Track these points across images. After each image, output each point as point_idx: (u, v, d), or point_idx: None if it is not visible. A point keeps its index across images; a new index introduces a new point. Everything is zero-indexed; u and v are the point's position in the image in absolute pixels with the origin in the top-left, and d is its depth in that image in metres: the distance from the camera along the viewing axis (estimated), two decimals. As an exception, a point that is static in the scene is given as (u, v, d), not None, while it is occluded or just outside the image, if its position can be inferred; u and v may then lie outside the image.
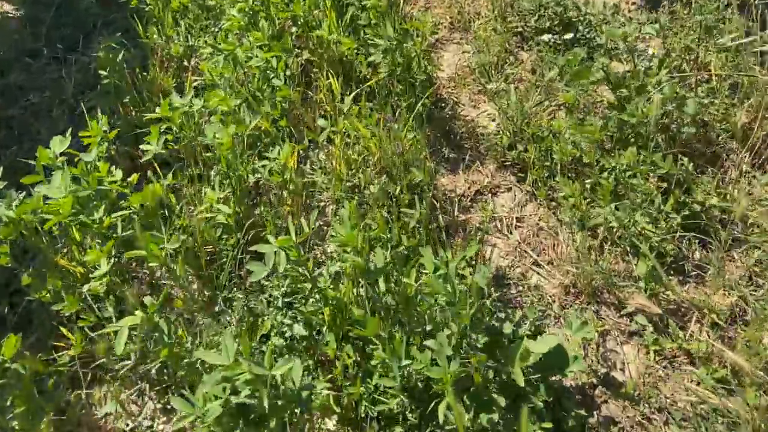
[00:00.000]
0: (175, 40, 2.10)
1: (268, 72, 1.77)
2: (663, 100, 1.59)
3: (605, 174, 1.66)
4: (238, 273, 1.45)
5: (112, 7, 2.76)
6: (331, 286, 1.23)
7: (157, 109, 1.42)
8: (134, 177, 1.36)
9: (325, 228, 1.66)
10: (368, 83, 1.89)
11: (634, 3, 2.68)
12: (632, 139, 1.71)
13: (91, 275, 1.14)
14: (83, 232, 1.27)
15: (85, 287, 1.13)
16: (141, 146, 1.49)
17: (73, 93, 2.26)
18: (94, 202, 1.17)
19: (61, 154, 1.32)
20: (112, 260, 1.12)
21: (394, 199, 1.62)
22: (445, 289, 1.07)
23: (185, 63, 2.10)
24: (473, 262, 1.56)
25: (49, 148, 1.25)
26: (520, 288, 1.62)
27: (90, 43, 2.53)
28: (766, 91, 1.67)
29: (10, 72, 2.42)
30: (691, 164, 1.68)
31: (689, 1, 2.22)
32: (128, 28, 2.48)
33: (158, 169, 1.48)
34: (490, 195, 1.90)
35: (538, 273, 1.66)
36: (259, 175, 1.48)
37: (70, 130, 1.50)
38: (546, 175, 1.86)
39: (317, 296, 1.20)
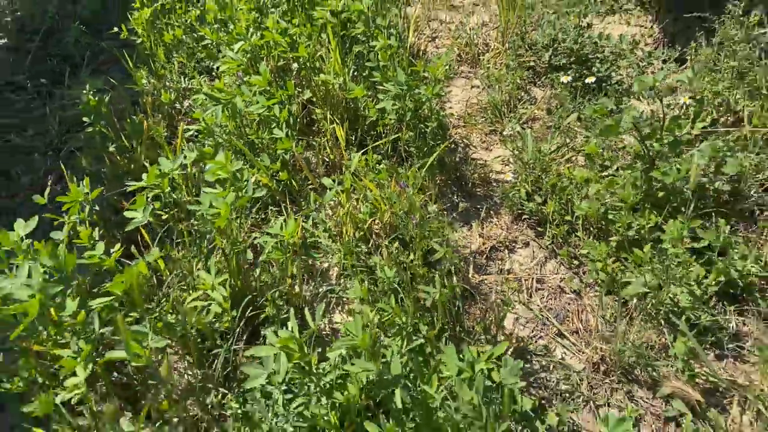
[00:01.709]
0: (167, 81, 1.95)
1: (269, 119, 1.63)
2: (707, 157, 1.46)
3: (635, 236, 1.52)
4: (233, 360, 1.29)
5: (102, 36, 2.62)
6: (339, 381, 1.09)
7: (144, 176, 1.27)
8: (117, 251, 1.21)
9: (330, 295, 1.51)
10: (380, 139, 1.74)
11: (651, 37, 2.57)
12: (664, 199, 1.57)
13: (64, 383, 0.99)
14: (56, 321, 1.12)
15: (58, 398, 0.98)
16: (126, 210, 1.34)
17: (58, 132, 2.11)
18: (67, 294, 1.02)
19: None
20: (90, 365, 0.97)
21: (406, 269, 1.47)
22: (470, 402, 0.93)
23: (178, 107, 1.96)
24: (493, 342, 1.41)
25: (12, 230, 1.09)
26: (544, 363, 1.47)
27: (78, 76, 2.38)
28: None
29: (-8, 107, 2.26)
30: (727, 226, 1.54)
31: (712, 39, 2.10)
32: (118, 61, 2.34)
33: (145, 235, 1.33)
34: (506, 252, 1.76)
35: (562, 345, 1.52)
36: (258, 242, 1.34)
37: (50, 179, 1.35)
38: (567, 230, 1.72)
39: (323, 399, 1.05)
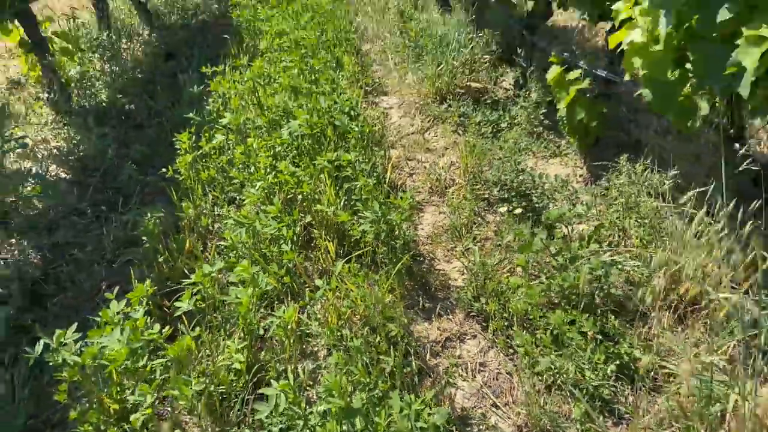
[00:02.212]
0: (203, 209, 2.59)
1: (278, 237, 2.22)
2: (591, 270, 2.02)
3: (546, 328, 2.03)
4: (243, 411, 1.75)
5: (149, 173, 3.32)
6: (320, 423, 1.55)
7: (192, 276, 1.83)
8: (168, 331, 1.73)
9: (318, 371, 1.99)
10: (359, 252, 2.32)
11: (581, 176, 3.25)
12: (571, 299, 2.10)
13: (131, 412, 1.46)
14: (124, 375, 1.61)
15: (132, 416, 1.44)
16: (173, 302, 1.87)
17: (112, 249, 2.70)
18: (140, 352, 1.52)
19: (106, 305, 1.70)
20: (155, 396, 1.45)
21: (374, 347, 1.97)
22: (408, 428, 1.40)
23: (210, 228, 2.57)
24: (439, 404, 1.87)
25: (108, 308, 1.63)
26: (481, 427, 1.91)
27: (128, 205, 3.03)
28: (676, 263, 2.10)
29: (59, 229, 2.88)
30: (618, 320, 2.06)
31: (630, 175, 2.74)
32: (163, 193, 3.00)
33: (185, 322, 1.86)
34: (458, 341, 2.25)
35: (496, 414, 1.96)
36: (268, 326, 1.86)
37: (116, 289, 1.91)
38: (505, 324, 2.23)
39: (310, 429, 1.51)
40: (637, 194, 2.44)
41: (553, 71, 2.97)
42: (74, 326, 1.56)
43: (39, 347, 1.57)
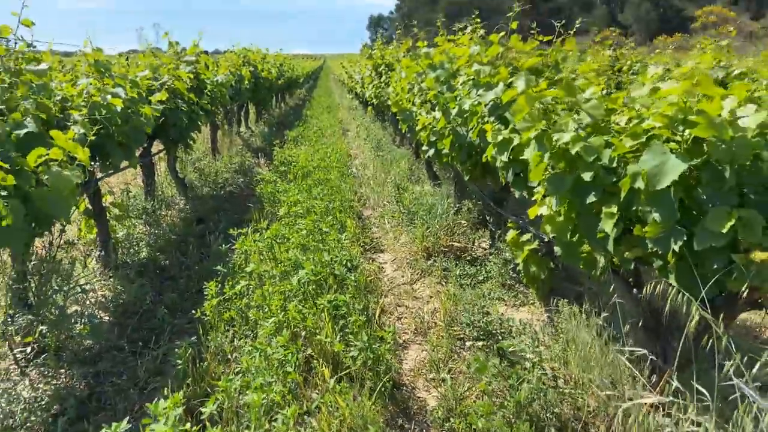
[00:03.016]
0: (224, 342, 3.17)
1: (284, 362, 2.78)
2: (531, 390, 2.53)
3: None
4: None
5: (177, 317, 3.95)
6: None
7: (217, 388, 2.37)
8: (197, 428, 2.22)
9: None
10: (347, 372, 2.86)
11: (540, 319, 3.84)
12: (521, 416, 2.58)
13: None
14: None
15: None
16: (201, 410, 2.38)
17: (144, 378, 3.23)
18: (177, 440, 2.02)
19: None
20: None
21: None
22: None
23: (229, 357, 3.13)
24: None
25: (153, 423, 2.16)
26: None
27: (159, 342, 3.60)
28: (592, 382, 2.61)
29: (102, 361, 3.43)
30: (559, 432, 2.51)
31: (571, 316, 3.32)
32: (188, 333, 3.59)
33: (208, 424, 2.35)
34: (430, 454, 2.67)
35: None
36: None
37: (139, 407, 2.43)
38: (471, 441, 2.66)
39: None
40: (576, 331, 3.02)
41: (510, 234, 3.72)
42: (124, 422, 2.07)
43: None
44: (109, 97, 4.09)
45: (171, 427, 1.98)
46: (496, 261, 4.46)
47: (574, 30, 4.13)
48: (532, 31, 3.92)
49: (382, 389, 2.82)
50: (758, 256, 1.79)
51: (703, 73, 2.27)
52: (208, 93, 6.49)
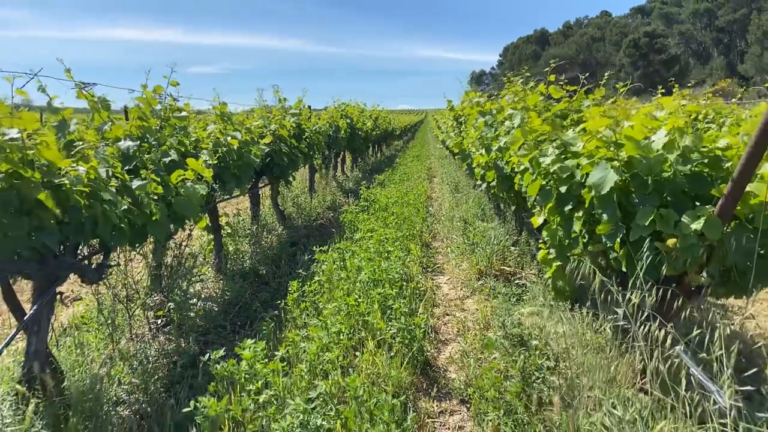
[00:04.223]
0: (299, 321, 4.10)
1: (340, 333, 3.63)
2: (525, 360, 3.16)
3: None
4: None
5: (268, 310, 4.97)
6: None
7: (287, 341, 3.28)
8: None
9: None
10: (388, 344, 3.65)
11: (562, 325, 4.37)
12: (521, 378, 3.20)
13: None
14: None
15: None
16: (275, 353, 3.29)
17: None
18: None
19: None
20: None
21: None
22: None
23: (301, 330, 4.04)
24: None
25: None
26: (448, 452, 2.94)
27: (253, 325, 4.61)
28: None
29: (209, 334, 4.49)
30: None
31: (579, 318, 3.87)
32: (276, 319, 4.57)
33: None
34: (449, 416, 3.35)
35: (460, 447, 2.99)
36: None
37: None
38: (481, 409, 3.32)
39: None
40: (579, 326, 3.58)
41: (541, 253, 4.36)
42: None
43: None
44: (228, 138, 5.36)
45: (251, 353, 2.90)
46: (541, 284, 5.05)
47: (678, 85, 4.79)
48: (561, 83, 4.64)
49: (413, 361, 3.56)
50: (670, 241, 2.41)
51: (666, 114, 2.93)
52: (306, 139, 7.76)
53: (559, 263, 4.12)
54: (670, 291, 2.64)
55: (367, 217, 7.04)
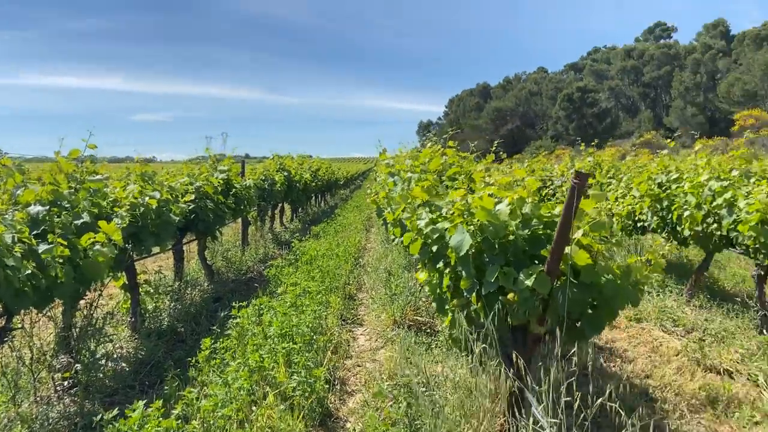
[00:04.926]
0: (205, 379, 4.20)
1: (240, 389, 3.76)
2: (410, 405, 3.40)
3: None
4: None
5: (182, 367, 5.02)
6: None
7: (184, 398, 3.39)
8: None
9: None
10: (290, 400, 3.80)
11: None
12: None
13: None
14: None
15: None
16: (172, 411, 3.38)
17: (146, 405, 4.26)
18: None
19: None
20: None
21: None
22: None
23: (206, 387, 4.14)
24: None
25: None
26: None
27: (164, 384, 4.65)
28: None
29: (117, 395, 4.51)
30: None
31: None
32: (184, 377, 4.63)
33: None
34: (340, 462, 3.51)
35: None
36: None
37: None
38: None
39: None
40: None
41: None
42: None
43: None
44: (147, 198, 5.52)
45: (139, 414, 3.02)
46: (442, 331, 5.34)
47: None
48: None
49: (312, 413, 3.73)
50: (510, 296, 2.76)
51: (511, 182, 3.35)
52: (233, 195, 7.97)
53: (450, 315, 4.44)
54: (520, 337, 2.98)
55: (292, 271, 7.23)
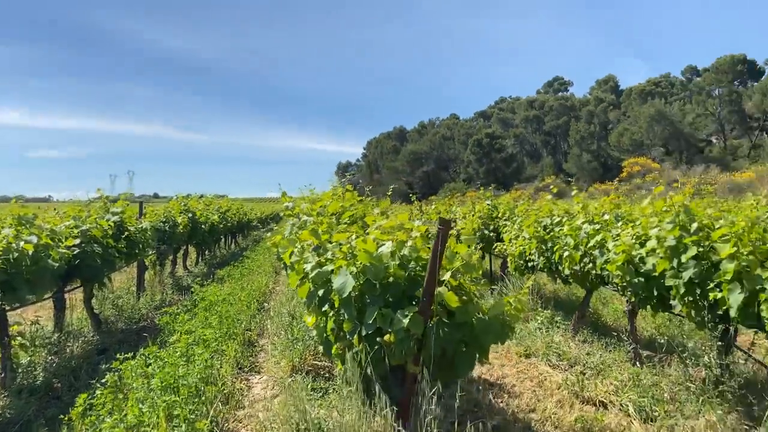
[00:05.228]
0: (75, 438, 3.86)
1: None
2: None
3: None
4: None
5: (56, 426, 4.58)
6: None
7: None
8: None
9: None
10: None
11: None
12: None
13: None
14: None
15: None
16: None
17: None
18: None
19: None
20: None
21: None
22: None
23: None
24: None
25: None
26: None
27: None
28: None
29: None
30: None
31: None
32: (55, 436, 4.22)
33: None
34: None
35: None
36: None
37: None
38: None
39: None
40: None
41: (333, 349, 4.65)
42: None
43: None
44: (22, 243, 5.11)
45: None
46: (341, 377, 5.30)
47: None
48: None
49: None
50: (386, 337, 2.82)
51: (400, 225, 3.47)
52: (127, 238, 7.57)
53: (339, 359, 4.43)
54: (400, 377, 3.03)
55: (188, 318, 6.90)
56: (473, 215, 10.76)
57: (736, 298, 3.88)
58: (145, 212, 10.62)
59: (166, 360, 5.08)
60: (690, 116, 64.63)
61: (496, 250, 9.76)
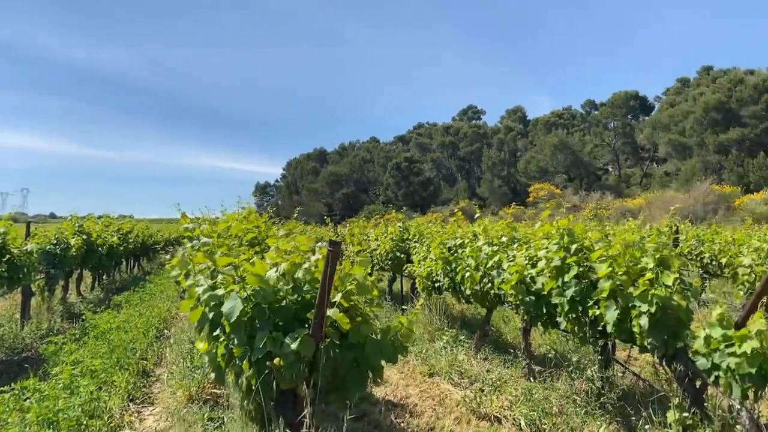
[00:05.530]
0: None
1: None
2: None
3: None
4: None
5: None
6: None
7: None
8: None
9: None
10: None
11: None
12: None
13: None
14: None
15: None
16: None
17: None
18: None
19: None
20: None
21: None
22: None
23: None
24: None
25: None
26: None
27: None
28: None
29: None
30: None
31: None
32: None
33: None
34: None
35: None
36: None
37: None
38: None
39: None
40: None
41: (229, 377, 4.50)
42: None
43: None
44: None
45: None
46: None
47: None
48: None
49: None
50: (276, 360, 2.78)
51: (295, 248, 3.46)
52: (8, 261, 6.95)
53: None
54: (290, 401, 2.99)
55: (76, 348, 6.42)
56: (386, 237, 10.92)
57: (612, 315, 4.21)
58: (35, 233, 9.82)
59: (46, 393, 4.68)
60: (589, 146, 69.96)
61: (406, 271, 9.95)
